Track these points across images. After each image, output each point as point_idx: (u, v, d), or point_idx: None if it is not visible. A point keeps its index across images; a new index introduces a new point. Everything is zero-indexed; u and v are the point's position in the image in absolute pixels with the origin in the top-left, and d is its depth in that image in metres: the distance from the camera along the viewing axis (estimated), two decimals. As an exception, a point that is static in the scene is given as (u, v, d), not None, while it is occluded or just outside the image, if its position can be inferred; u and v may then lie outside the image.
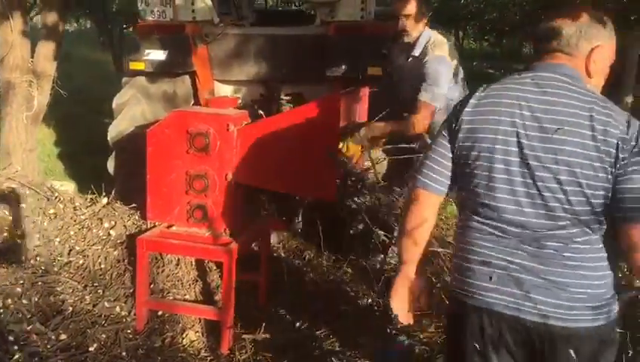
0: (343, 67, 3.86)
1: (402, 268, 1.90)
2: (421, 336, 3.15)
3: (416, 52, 3.41)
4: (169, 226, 3.38)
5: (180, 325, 3.30)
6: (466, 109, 1.76)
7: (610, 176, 1.62)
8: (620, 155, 1.60)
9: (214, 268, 3.63)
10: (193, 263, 3.53)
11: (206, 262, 3.60)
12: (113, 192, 4.07)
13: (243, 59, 4.31)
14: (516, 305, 1.68)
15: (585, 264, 1.66)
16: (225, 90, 4.50)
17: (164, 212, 3.36)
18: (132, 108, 4.18)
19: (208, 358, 3.17)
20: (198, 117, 3.21)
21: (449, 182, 1.83)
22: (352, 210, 3.85)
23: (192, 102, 4.40)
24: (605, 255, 1.70)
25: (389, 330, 3.19)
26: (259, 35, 4.28)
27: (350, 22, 3.98)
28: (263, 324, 3.21)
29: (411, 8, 3.35)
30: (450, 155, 1.80)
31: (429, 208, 1.86)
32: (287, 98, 4.37)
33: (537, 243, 1.68)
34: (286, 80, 4.28)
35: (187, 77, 4.32)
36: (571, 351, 1.64)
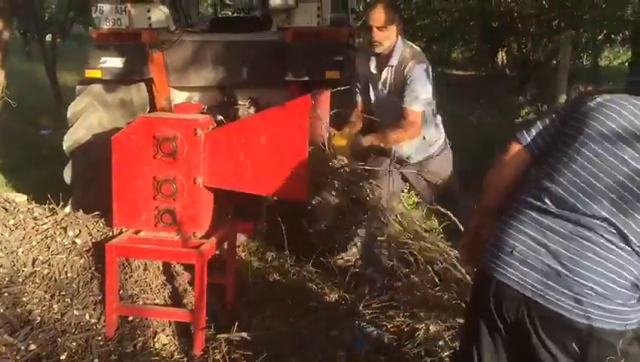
0: (302, 71, 3.98)
1: (478, 215, 2.03)
2: (389, 326, 3.30)
3: (394, 62, 3.54)
4: (137, 232, 3.39)
5: (151, 329, 3.32)
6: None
7: None
8: None
9: (181, 271, 3.66)
10: (161, 268, 3.55)
11: (173, 266, 3.62)
12: (70, 201, 4.05)
13: (199, 66, 4.36)
14: (524, 282, 1.76)
15: (609, 264, 1.70)
16: (181, 96, 4.53)
17: (132, 218, 3.37)
18: (89, 117, 4.15)
19: (182, 360, 3.20)
20: (165, 122, 3.25)
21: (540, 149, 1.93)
22: (314, 209, 3.97)
23: (148, 109, 4.41)
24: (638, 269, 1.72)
25: (357, 323, 3.34)
26: (215, 42, 4.34)
27: (307, 28, 4.10)
28: (236, 323, 3.30)
29: (385, 20, 3.46)
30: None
31: (513, 159, 1.96)
32: (243, 103, 4.44)
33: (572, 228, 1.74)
34: (243, 85, 4.36)
35: (143, 84, 4.34)
36: (574, 346, 1.70)
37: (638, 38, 9.98)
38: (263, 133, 3.09)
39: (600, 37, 12.09)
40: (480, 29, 15.70)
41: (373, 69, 3.66)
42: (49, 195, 3.91)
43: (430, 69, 3.55)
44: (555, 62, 10.75)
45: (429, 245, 3.29)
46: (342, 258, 4.11)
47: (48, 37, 12.41)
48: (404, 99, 3.46)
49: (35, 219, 3.61)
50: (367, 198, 3.41)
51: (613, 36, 11.14)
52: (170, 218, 3.29)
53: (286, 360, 3.05)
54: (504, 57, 16.56)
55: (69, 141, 4.19)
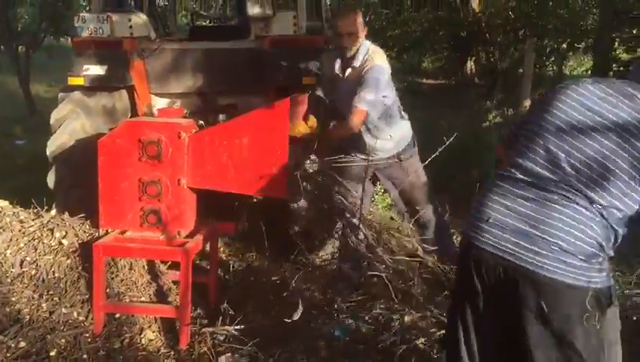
0: (279, 78, 4.14)
1: None
2: (366, 318, 3.47)
3: (357, 63, 3.74)
4: (122, 232, 3.51)
5: (137, 326, 3.43)
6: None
7: None
8: None
9: (165, 270, 3.78)
10: (146, 267, 3.67)
11: (157, 265, 3.74)
12: (54, 205, 4.14)
13: (180, 73, 4.50)
14: (498, 245, 1.95)
15: (573, 222, 1.87)
16: (162, 102, 4.65)
17: (117, 219, 3.49)
18: (72, 123, 4.26)
19: (168, 354, 3.32)
20: (150, 126, 3.39)
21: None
22: (293, 209, 4.14)
23: (130, 115, 4.53)
24: (602, 230, 1.89)
25: (336, 315, 3.50)
26: (195, 50, 4.48)
27: (284, 36, 4.28)
28: (220, 318, 3.44)
29: (354, 27, 3.68)
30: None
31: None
32: (222, 109, 4.59)
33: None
34: (222, 92, 4.50)
35: (124, 91, 4.46)
36: (542, 303, 1.87)
37: (599, 46, 10.35)
38: (245, 135, 3.25)
39: (564, 45, 12.54)
40: (449, 39, 16.06)
41: (337, 69, 3.87)
42: (33, 200, 4.01)
43: (386, 72, 3.72)
44: (521, 70, 11.12)
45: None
46: (319, 256, 4.27)
47: (20, 48, 12.39)
48: (354, 98, 3.65)
49: (21, 221, 3.69)
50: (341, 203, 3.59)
51: (576, 45, 11.55)
52: (155, 218, 3.43)
53: (269, 352, 3.18)
54: (472, 66, 16.94)
55: (52, 146, 4.28)
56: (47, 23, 12.25)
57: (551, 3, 12.70)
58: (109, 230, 3.53)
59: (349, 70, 3.80)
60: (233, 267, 4.30)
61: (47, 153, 4.30)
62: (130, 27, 4.34)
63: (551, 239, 1.88)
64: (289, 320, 3.21)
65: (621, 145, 1.86)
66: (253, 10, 4.20)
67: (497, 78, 13.33)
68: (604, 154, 1.87)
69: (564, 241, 1.87)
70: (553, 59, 13.29)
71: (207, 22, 6.95)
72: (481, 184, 2.35)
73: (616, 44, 10.22)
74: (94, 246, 3.32)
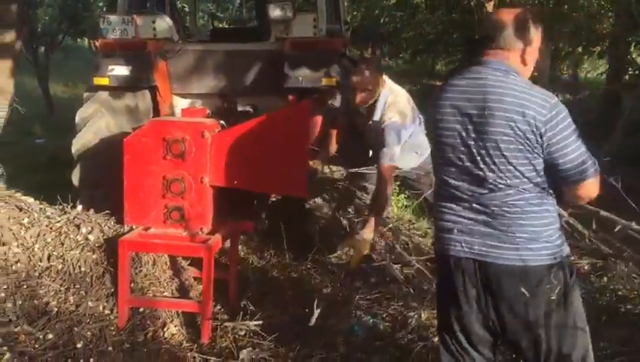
0: (300, 79, 4.22)
1: None
2: (383, 315, 3.54)
3: (376, 117, 3.82)
4: (146, 229, 3.60)
5: (160, 320, 3.52)
6: None
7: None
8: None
9: (186, 266, 3.87)
10: (168, 262, 3.76)
11: (179, 261, 3.84)
12: (78, 202, 4.25)
13: (201, 74, 4.60)
14: (470, 249, 2.14)
15: (528, 215, 2.09)
16: (183, 103, 4.76)
17: (141, 215, 3.59)
18: (96, 122, 4.37)
19: (191, 348, 3.40)
20: (174, 125, 3.49)
21: None
22: (312, 208, 4.23)
23: (152, 115, 4.63)
24: (543, 208, 2.11)
25: (353, 312, 3.58)
26: (216, 51, 4.58)
27: (304, 38, 4.36)
28: (241, 313, 3.53)
29: (369, 82, 3.73)
30: None
31: None
32: (243, 110, 4.67)
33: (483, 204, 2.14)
34: (242, 93, 4.59)
35: (147, 91, 4.56)
36: (522, 289, 2.07)
37: (614, 50, 10.37)
38: (267, 135, 3.34)
39: (579, 49, 12.54)
40: (463, 42, 16.07)
41: (362, 121, 3.96)
42: (58, 196, 4.13)
43: (400, 123, 3.75)
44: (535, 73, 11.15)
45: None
46: (337, 255, 4.35)
47: (40, 48, 12.59)
48: (379, 157, 3.73)
49: (48, 217, 3.80)
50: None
51: (591, 48, 11.55)
52: (179, 215, 3.52)
53: (289, 346, 3.26)
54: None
55: (77, 145, 4.39)
56: (66, 23, 12.43)
57: (566, 6, 12.72)
58: (134, 226, 3.62)
59: (371, 121, 3.87)
60: (252, 264, 4.38)
61: (72, 151, 4.41)
62: (154, 29, 4.45)
63: (514, 234, 2.10)
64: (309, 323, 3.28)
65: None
66: (274, 12, 4.28)
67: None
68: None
69: (525, 232, 2.09)
70: (568, 62, 13.31)
71: (222, 24, 7.03)
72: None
73: (632, 47, 10.26)
74: (120, 242, 3.42)
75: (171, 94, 4.67)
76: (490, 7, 15.47)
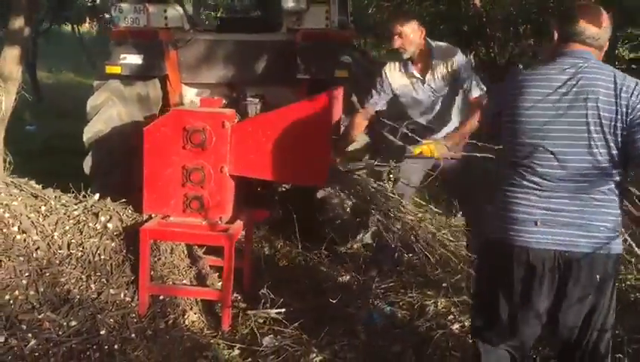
0: (313, 70, 4.26)
1: None
2: (400, 304, 3.63)
3: (434, 59, 3.77)
4: (164, 217, 3.64)
5: (180, 308, 3.56)
6: None
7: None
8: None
9: (202, 255, 3.91)
10: (185, 251, 3.80)
11: (195, 249, 3.88)
12: (90, 190, 4.26)
13: (211, 64, 4.61)
14: (552, 239, 2.20)
15: (604, 209, 2.20)
16: (191, 92, 4.77)
17: (160, 204, 3.61)
18: (108, 110, 4.37)
19: (213, 335, 3.46)
20: (195, 115, 3.51)
21: None
22: (324, 197, 4.29)
23: (161, 104, 4.64)
24: (618, 198, 2.23)
25: (371, 300, 3.66)
26: (227, 41, 4.59)
27: (317, 29, 4.39)
28: (262, 301, 3.59)
29: (405, 27, 3.72)
30: None
31: None
32: (252, 100, 4.69)
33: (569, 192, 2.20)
34: (252, 83, 4.61)
35: (157, 80, 4.56)
36: (596, 273, 2.19)
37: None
38: (288, 125, 3.38)
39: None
40: (450, 33, 16.15)
41: (416, 74, 3.85)
42: (70, 184, 4.13)
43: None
44: (520, 65, 11.31)
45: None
46: (350, 245, 4.43)
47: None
48: (466, 91, 3.75)
49: (64, 205, 3.81)
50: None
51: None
52: (198, 204, 3.55)
53: (310, 334, 3.33)
54: (472, 60, 17.00)
55: (88, 133, 4.38)
56: (51, 9, 12.25)
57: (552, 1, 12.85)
58: (152, 215, 3.65)
59: (429, 73, 3.82)
60: (265, 253, 4.44)
61: (84, 139, 4.41)
62: (166, 18, 4.45)
63: (599, 224, 2.18)
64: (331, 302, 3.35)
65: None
66: (288, 3, 4.30)
67: (497, 72, 13.46)
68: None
69: (606, 223, 2.18)
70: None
71: (223, 13, 6.95)
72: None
73: (620, 42, 10.43)
74: (141, 230, 3.45)
75: (181, 84, 4.68)
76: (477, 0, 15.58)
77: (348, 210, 4.33)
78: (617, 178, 2.20)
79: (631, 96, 2.13)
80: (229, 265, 3.45)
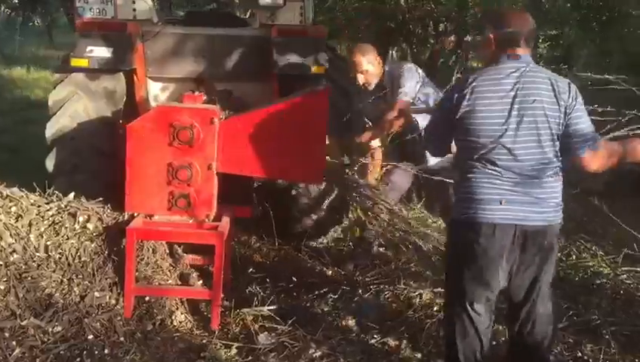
0: (289, 66, 4.24)
1: None
2: (387, 297, 3.72)
3: (387, 77, 4.02)
4: (148, 216, 3.54)
5: (166, 308, 3.48)
6: None
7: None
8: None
9: (184, 254, 3.84)
10: (167, 250, 3.72)
11: (175, 248, 3.79)
12: (53, 189, 4.07)
13: (179, 58, 4.49)
14: (513, 215, 2.50)
15: (553, 185, 2.55)
16: (156, 87, 4.63)
17: (144, 202, 3.52)
18: (73, 105, 4.17)
19: (202, 335, 3.41)
20: (182, 112, 3.43)
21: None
22: (299, 194, 4.31)
23: (125, 99, 4.48)
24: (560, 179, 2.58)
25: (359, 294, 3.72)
26: (196, 35, 4.48)
27: (292, 25, 4.38)
28: (255, 299, 3.58)
29: (364, 64, 3.92)
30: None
31: None
32: (218, 95, 4.61)
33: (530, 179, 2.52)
34: (221, 78, 4.53)
35: (122, 74, 4.40)
36: (546, 241, 2.54)
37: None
38: (281, 122, 3.38)
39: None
40: (375, 29, 16.43)
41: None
42: (35, 183, 3.93)
43: (419, 71, 3.98)
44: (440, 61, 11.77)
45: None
46: (322, 240, 4.48)
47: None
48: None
49: (34, 205, 3.62)
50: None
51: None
52: (185, 202, 3.48)
53: (304, 330, 3.35)
54: (396, 57, 17.46)
55: (52, 129, 4.15)
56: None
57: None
58: (135, 214, 3.54)
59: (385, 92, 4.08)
60: (239, 251, 4.41)
61: (47, 135, 4.18)
62: (134, 10, 4.29)
63: (548, 200, 2.53)
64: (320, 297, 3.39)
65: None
66: (265, -1, 4.28)
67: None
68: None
69: (554, 199, 2.54)
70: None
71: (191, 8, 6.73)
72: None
73: (540, 40, 11.06)
74: (128, 230, 3.34)
75: (146, 77, 4.54)
76: (401, -5, 15.90)
77: (324, 206, 4.36)
78: (559, 163, 2.57)
79: (568, 98, 2.50)
80: (219, 263, 3.41)
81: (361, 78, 3.95)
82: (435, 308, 3.55)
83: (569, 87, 2.52)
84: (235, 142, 3.45)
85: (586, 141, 2.51)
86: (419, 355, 3.17)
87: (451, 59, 12.81)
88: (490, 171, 2.52)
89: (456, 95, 2.58)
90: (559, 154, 2.55)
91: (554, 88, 2.49)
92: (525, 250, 2.52)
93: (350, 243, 4.48)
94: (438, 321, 3.42)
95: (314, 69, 4.23)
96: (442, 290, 3.63)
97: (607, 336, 3.12)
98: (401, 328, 3.37)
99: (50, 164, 4.20)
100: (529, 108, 2.48)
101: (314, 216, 4.38)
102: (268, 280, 3.93)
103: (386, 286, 3.77)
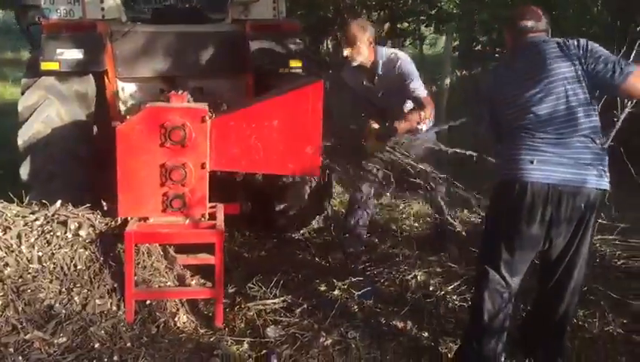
0: (267, 61, 4.24)
1: None
2: (383, 281, 3.82)
3: (381, 71, 4.00)
4: (143, 219, 3.49)
5: (168, 310, 3.46)
6: None
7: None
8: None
9: (177, 255, 3.81)
10: (161, 252, 3.68)
11: (169, 249, 3.76)
12: (28, 198, 3.94)
13: (149, 56, 4.40)
14: (548, 176, 2.64)
15: (589, 146, 2.67)
16: (126, 87, 4.53)
17: (137, 206, 3.45)
18: (45, 110, 4.02)
19: (207, 333, 3.40)
20: (173, 111, 3.39)
21: None
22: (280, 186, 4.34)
23: (96, 101, 4.37)
24: (598, 141, 2.69)
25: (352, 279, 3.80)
26: (167, 33, 4.40)
27: (265, 20, 4.38)
28: (255, 294, 3.60)
29: (352, 39, 3.91)
30: None
31: None
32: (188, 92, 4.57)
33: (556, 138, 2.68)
34: (192, 76, 4.49)
35: (91, 75, 4.29)
36: (582, 205, 2.65)
37: (462, 28, 11.45)
38: (276, 117, 3.40)
39: (423, 27, 13.58)
40: (313, 21, 16.47)
41: (366, 83, 4.10)
42: (10, 193, 3.81)
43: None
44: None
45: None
46: (305, 232, 4.54)
47: None
48: (413, 91, 3.93)
49: (18, 216, 3.51)
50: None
51: (441, 27, 12.58)
52: (180, 202, 3.45)
53: (311, 320, 3.40)
54: (330, 47, 17.59)
55: (24, 136, 3.98)
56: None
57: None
58: (129, 218, 3.48)
59: (376, 78, 4.05)
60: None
61: (19, 143, 4.02)
62: (103, 9, 4.19)
63: (586, 164, 2.65)
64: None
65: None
66: (239, -6, 4.26)
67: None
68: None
69: (591, 165, 2.66)
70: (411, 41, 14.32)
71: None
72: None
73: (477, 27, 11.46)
74: (126, 234, 3.29)
75: (116, 78, 4.44)
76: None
77: (305, 197, 4.42)
78: (593, 124, 2.69)
79: (578, 50, 2.68)
80: (220, 260, 3.41)
81: (347, 51, 3.94)
82: (431, 288, 3.68)
83: (577, 42, 2.70)
84: (227, 139, 3.44)
85: (614, 71, 2.60)
86: (425, 334, 3.29)
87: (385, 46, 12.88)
88: (523, 135, 2.71)
89: (491, 88, 3.00)
90: (593, 107, 2.68)
91: (562, 48, 2.69)
92: (560, 211, 2.64)
93: (333, 232, 4.54)
94: (437, 300, 3.56)
95: (290, 63, 4.25)
96: (436, 270, 3.81)
97: (601, 302, 3.32)
98: (403, 310, 3.47)
99: (24, 172, 4.04)
100: (542, 73, 2.69)
101: (296, 207, 4.43)
102: (261, 275, 3.93)
103: (380, 271, 3.87)
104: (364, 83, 4.12)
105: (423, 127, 3.95)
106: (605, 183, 2.69)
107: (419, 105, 3.87)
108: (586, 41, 2.69)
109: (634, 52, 3.23)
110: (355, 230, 4.20)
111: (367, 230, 4.32)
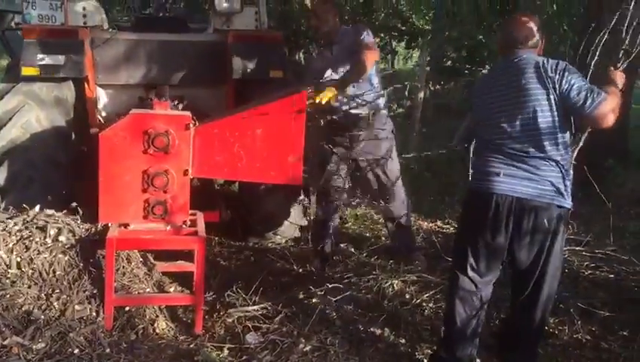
0: (247, 71, 4.30)
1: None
2: (360, 289, 3.89)
3: (338, 40, 4.13)
4: (123, 225, 3.49)
5: (147, 317, 3.46)
6: None
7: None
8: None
9: (156, 261, 3.82)
10: (140, 259, 3.68)
11: (148, 256, 3.77)
12: (4, 203, 3.93)
13: (129, 64, 4.42)
14: (513, 190, 2.77)
15: (551, 171, 2.76)
16: (106, 95, 4.54)
17: (119, 212, 3.46)
18: (24, 115, 4.00)
19: (187, 340, 3.41)
20: (157, 118, 3.42)
21: None
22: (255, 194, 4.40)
23: (75, 107, 4.36)
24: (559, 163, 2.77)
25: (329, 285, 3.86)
26: (148, 41, 4.43)
27: (248, 30, 4.44)
28: (234, 301, 3.63)
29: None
30: None
31: None
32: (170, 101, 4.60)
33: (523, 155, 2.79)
34: (173, 84, 4.51)
35: (71, 81, 4.29)
36: (544, 221, 2.75)
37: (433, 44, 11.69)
38: (259, 126, 3.45)
39: (394, 42, 13.80)
40: (286, 33, 16.60)
41: (328, 55, 4.21)
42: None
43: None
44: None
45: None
46: (282, 240, 4.59)
47: None
48: (362, 40, 3.99)
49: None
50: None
51: (413, 43, 12.80)
52: (162, 209, 3.47)
53: (289, 326, 3.44)
54: (301, 57, 17.72)
55: (3, 141, 3.96)
56: None
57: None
58: (109, 224, 3.49)
59: (335, 47, 4.15)
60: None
61: (-4, 148, 3.99)
62: (85, 16, 4.20)
63: (546, 180, 2.76)
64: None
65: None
66: (221, 4, 4.30)
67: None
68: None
69: (551, 183, 2.75)
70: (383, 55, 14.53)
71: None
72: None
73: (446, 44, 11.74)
74: (108, 240, 3.30)
75: (95, 85, 4.44)
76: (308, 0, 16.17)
77: (284, 205, 4.47)
78: (560, 146, 2.77)
79: (554, 74, 2.73)
80: (201, 267, 3.44)
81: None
82: (407, 296, 3.76)
83: (556, 66, 2.75)
84: (210, 147, 3.48)
85: (585, 99, 2.67)
86: (402, 340, 3.35)
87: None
88: (493, 147, 2.85)
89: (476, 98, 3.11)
90: (561, 130, 2.75)
91: (539, 71, 2.74)
92: (522, 223, 2.76)
93: (310, 241, 4.60)
94: (413, 308, 3.64)
95: (272, 73, 4.32)
96: (412, 279, 3.89)
97: (571, 310, 3.45)
98: (380, 318, 3.54)
99: (2, 177, 4.01)
100: (517, 91, 2.78)
101: (275, 216, 4.49)
102: (240, 283, 3.96)
103: (357, 280, 3.93)
104: (327, 57, 4.22)
105: (371, 93, 4.08)
106: (568, 203, 2.80)
107: (362, 50, 3.96)
108: (564, 65, 2.75)
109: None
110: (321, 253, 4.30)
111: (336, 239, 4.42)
